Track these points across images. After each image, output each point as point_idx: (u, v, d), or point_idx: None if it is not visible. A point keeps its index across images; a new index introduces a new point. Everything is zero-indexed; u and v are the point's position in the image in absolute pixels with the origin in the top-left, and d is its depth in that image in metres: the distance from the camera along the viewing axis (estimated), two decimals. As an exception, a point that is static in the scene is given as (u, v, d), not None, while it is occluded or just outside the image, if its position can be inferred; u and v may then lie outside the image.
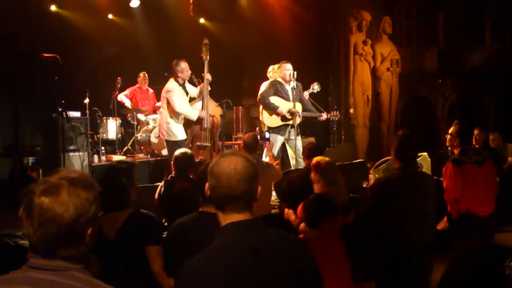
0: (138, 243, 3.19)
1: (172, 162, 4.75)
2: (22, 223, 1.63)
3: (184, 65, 7.00)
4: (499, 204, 4.77)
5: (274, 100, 7.22)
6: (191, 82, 7.43)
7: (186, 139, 7.13)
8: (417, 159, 7.85)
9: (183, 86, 7.08)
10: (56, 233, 1.58)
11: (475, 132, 7.68)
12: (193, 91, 7.30)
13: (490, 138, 7.58)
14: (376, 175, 6.93)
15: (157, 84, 9.05)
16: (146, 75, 9.98)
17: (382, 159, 7.23)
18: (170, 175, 4.71)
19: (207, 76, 7.11)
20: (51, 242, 1.59)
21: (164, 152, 8.00)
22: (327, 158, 4.13)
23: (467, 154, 4.67)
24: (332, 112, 7.73)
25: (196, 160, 5.04)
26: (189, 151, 4.90)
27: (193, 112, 7.05)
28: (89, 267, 1.65)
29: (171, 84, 7.02)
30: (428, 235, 3.90)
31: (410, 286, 3.84)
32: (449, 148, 7.16)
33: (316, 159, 4.05)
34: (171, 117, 7.04)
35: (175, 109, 6.95)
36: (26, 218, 1.61)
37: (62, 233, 1.59)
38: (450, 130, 4.90)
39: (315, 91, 7.74)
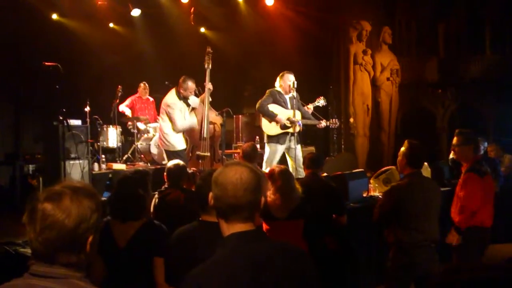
0: (147, 253, 3.19)
1: (165, 173, 4.77)
2: (25, 228, 1.67)
3: (190, 84, 6.99)
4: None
5: (273, 108, 7.22)
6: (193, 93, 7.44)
7: (185, 149, 7.13)
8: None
9: (183, 99, 7.08)
10: (57, 239, 1.62)
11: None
12: (195, 101, 7.31)
13: (488, 150, 7.58)
14: (376, 185, 6.93)
15: (158, 92, 9.08)
16: (147, 85, 10.01)
17: (382, 169, 7.22)
18: (164, 186, 4.74)
19: (209, 86, 7.12)
20: (52, 247, 1.62)
21: (164, 161, 8.01)
22: (282, 167, 4.33)
23: (483, 164, 4.75)
24: (331, 119, 7.74)
25: (189, 171, 5.07)
26: (181, 162, 4.90)
27: (194, 122, 7.05)
28: (94, 269, 1.67)
29: (172, 98, 7.00)
30: (435, 233, 4.23)
31: (422, 280, 4.18)
32: (451, 158, 7.20)
33: (272, 167, 4.25)
34: (169, 128, 7.05)
35: (177, 128, 6.96)
36: (28, 223, 1.65)
37: (63, 238, 1.62)
38: (456, 142, 4.87)
39: (321, 105, 7.74)
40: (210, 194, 1.96)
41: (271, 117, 7.16)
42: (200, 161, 7.08)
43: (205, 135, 7.13)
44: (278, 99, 7.26)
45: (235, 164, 1.96)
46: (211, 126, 7.19)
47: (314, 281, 1.96)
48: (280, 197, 3.90)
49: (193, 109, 7.31)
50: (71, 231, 1.63)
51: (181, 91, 7.00)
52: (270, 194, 3.93)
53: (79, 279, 1.66)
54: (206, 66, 7.17)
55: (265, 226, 3.90)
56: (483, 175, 4.64)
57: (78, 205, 1.65)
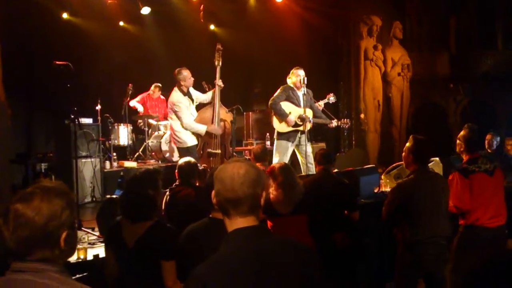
0: (154, 255, 3.19)
1: (176, 171, 4.78)
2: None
3: (185, 73, 6.96)
4: None
5: (286, 106, 7.21)
6: (200, 89, 7.41)
7: (197, 145, 7.13)
8: (429, 164, 7.82)
9: (188, 94, 7.07)
10: (30, 236, 1.73)
11: (488, 137, 7.60)
12: (201, 96, 7.29)
13: (507, 143, 7.45)
14: (387, 180, 6.90)
15: (169, 90, 9.10)
16: (160, 86, 10.06)
17: (394, 164, 7.19)
18: (174, 183, 4.75)
19: (219, 83, 7.07)
20: (26, 244, 1.74)
21: (175, 158, 8.03)
22: (282, 163, 4.39)
23: (477, 162, 4.54)
24: (343, 119, 7.71)
25: (200, 168, 5.07)
26: (192, 159, 4.91)
27: (201, 127, 7.01)
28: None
29: (176, 96, 6.98)
30: (445, 229, 4.17)
31: (431, 276, 4.21)
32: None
33: (273, 164, 4.27)
34: (179, 125, 7.04)
35: (184, 125, 6.95)
36: (3, 224, 1.77)
37: (35, 235, 1.73)
38: (459, 135, 4.82)
39: (331, 102, 7.73)
40: (213, 192, 1.97)
41: (282, 116, 7.15)
42: (211, 158, 7.09)
43: (215, 133, 7.12)
44: (291, 96, 7.26)
45: (235, 160, 2.01)
46: (222, 123, 7.18)
47: (318, 277, 1.95)
48: (283, 192, 3.91)
49: (205, 105, 7.29)
50: (42, 228, 1.73)
51: (182, 83, 6.96)
52: (272, 191, 3.94)
53: (56, 272, 1.76)
54: (216, 63, 7.12)
55: (269, 223, 3.91)
56: (469, 174, 4.44)
57: (48, 203, 1.75)
